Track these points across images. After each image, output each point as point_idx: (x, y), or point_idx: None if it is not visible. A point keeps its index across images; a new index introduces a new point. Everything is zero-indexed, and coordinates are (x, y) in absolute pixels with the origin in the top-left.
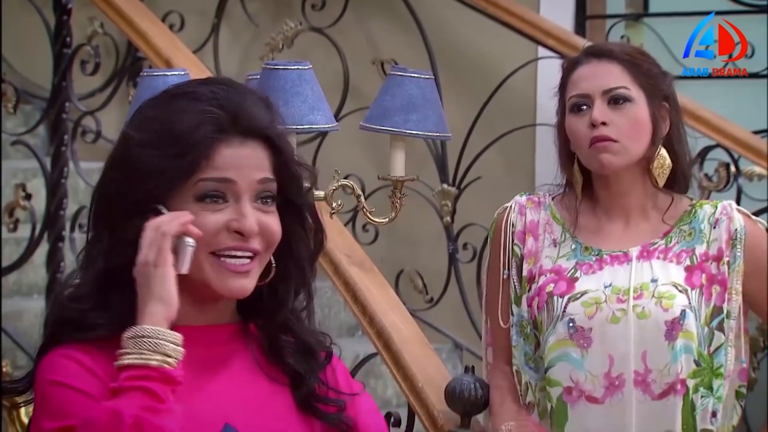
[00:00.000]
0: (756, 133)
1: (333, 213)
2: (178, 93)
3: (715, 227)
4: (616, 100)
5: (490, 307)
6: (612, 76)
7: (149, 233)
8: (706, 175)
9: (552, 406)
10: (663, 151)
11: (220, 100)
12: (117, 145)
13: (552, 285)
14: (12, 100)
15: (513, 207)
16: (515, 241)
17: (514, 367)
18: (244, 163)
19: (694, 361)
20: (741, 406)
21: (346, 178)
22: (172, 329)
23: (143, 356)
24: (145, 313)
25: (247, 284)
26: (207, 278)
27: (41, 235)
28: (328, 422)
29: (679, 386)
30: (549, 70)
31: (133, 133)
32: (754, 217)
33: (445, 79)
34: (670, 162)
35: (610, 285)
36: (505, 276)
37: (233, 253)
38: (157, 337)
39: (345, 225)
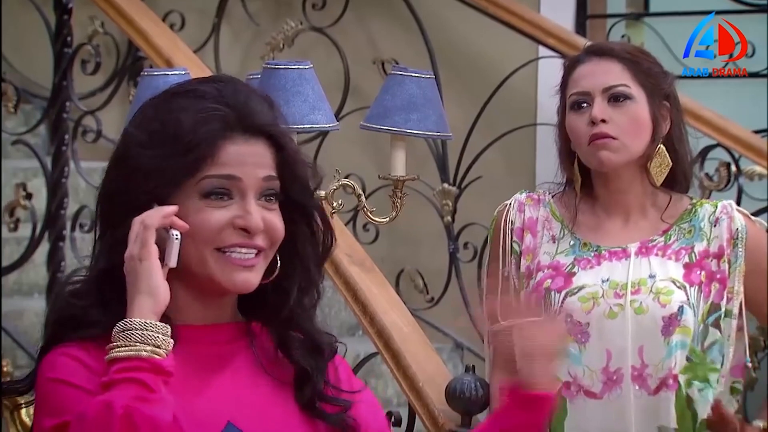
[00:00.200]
0: (756, 132)
1: (334, 212)
2: (181, 91)
3: (715, 226)
4: (616, 97)
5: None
6: (612, 74)
7: (134, 227)
8: (707, 174)
9: None
10: (663, 150)
11: (225, 97)
12: (119, 145)
13: (549, 280)
14: (12, 100)
15: (512, 204)
16: (514, 238)
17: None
18: (249, 160)
19: (687, 356)
20: (737, 401)
21: (346, 177)
22: (174, 329)
23: (132, 348)
24: (133, 306)
25: (251, 278)
26: (211, 272)
27: (42, 234)
28: (331, 422)
29: (671, 381)
30: (550, 69)
31: (134, 132)
32: (753, 217)
33: (445, 78)
34: (670, 161)
35: (607, 280)
36: (504, 273)
37: (238, 249)
38: (146, 329)
39: (346, 224)
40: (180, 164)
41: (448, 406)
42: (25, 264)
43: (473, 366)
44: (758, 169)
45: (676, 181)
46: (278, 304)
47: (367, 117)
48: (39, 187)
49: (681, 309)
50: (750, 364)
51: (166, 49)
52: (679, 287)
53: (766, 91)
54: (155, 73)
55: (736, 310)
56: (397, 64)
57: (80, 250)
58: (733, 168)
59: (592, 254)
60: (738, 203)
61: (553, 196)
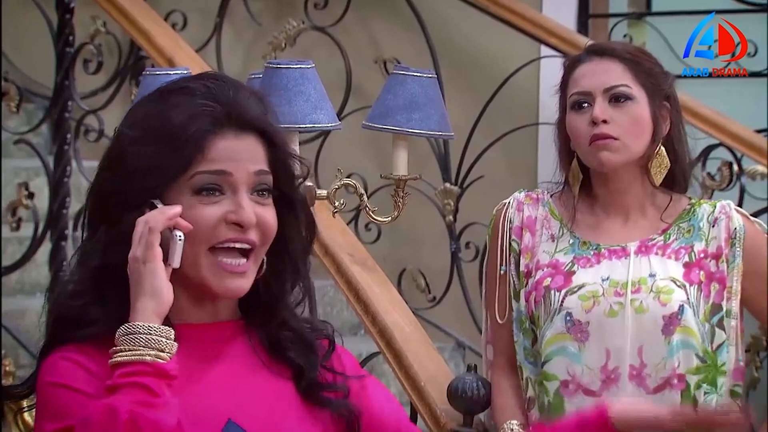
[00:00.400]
0: (757, 132)
1: (335, 212)
2: (171, 89)
3: (714, 226)
4: (617, 98)
5: (489, 304)
6: (613, 74)
7: (138, 229)
8: (708, 174)
9: (549, 400)
10: (662, 150)
11: (214, 94)
12: (112, 143)
13: (549, 279)
14: (15, 99)
15: (511, 203)
16: (513, 237)
17: (517, 363)
18: (240, 155)
19: (698, 357)
20: (738, 405)
21: (348, 177)
22: (173, 328)
23: (136, 352)
24: (136, 309)
25: (243, 284)
26: (204, 278)
27: (44, 233)
28: (333, 409)
29: (675, 381)
30: (551, 68)
31: (127, 131)
32: (752, 218)
33: (447, 77)
34: (669, 161)
35: (607, 279)
36: (502, 272)
37: (231, 245)
38: (149, 333)
39: (347, 224)
40: (171, 161)
41: (450, 406)
42: (27, 263)
43: (475, 365)
44: (760, 168)
45: (676, 182)
46: (271, 305)
47: (369, 116)
48: (41, 187)
49: (681, 308)
50: (742, 363)
51: (168, 48)
52: (679, 286)
53: (767, 90)
54: (157, 72)
55: (735, 310)
56: (399, 63)
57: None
58: (735, 167)
59: (592, 253)
60: (740, 203)
61: (551, 196)
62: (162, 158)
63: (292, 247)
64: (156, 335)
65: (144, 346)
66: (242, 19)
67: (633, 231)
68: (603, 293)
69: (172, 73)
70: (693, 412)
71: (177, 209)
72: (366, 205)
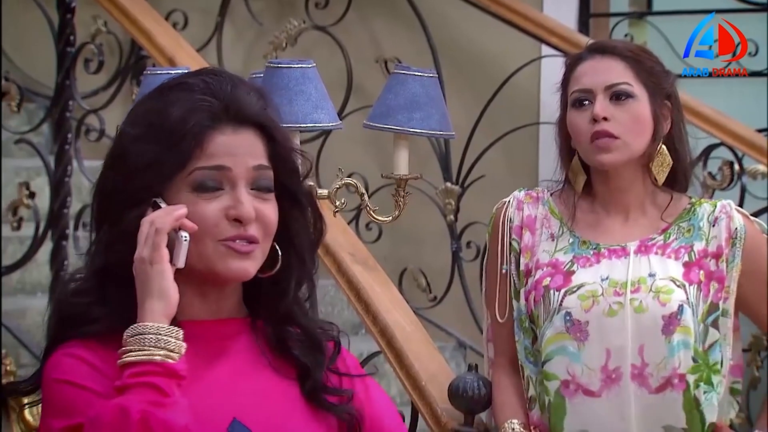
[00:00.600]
0: (757, 132)
1: (336, 211)
2: (170, 86)
3: (714, 225)
4: (618, 96)
5: (490, 303)
6: (614, 72)
7: (144, 229)
8: (709, 173)
9: (550, 399)
10: (664, 149)
11: (212, 89)
12: (114, 142)
13: (549, 278)
14: (15, 99)
15: (510, 202)
16: (513, 236)
17: (519, 362)
18: (238, 150)
19: (692, 357)
20: (738, 402)
21: (349, 176)
22: (178, 326)
23: (146, 352)
24: (144, 310)
25: (248, 267)
26: (210, 263)
27: (45, 233)
28: (336, 413)
29: (676, 381)
30: (552, 68)
31: (128, 129)
32: (752, 218)
33: (448, 77)
34: (671, 160)
35: (607, 278)
36: (503, 271)
37: (235, 240)
38: (159, 333)
39: (348, 223)
40: (170, 158)
41: (451, 405)
42: (28, 263)
43: (476, 365)
44: (761, 167)
45: (676, 181)
46: (276, 300)
47: (370, 116)
48: (42, 186)
49: (681, 308)
50: (733, 361)
51: (168, 48)
52: (678, 286)
53: (767, 90)
54: (158, 72)
55: (731, 309)
56: (399, 62)
57: (83, 248)
58: (736, 167)
59: (591, 252)
60: (741, 202)
61: (551, 194)
62: (161, 155)
63: (298, 241)
64: (165, 335)
65: (153, 347)
66: (243, 19)
67: (633, 230)
68: (602, 293)
69: (173, 72)
70: None
71: (183, 210)
72: (367, 205)
